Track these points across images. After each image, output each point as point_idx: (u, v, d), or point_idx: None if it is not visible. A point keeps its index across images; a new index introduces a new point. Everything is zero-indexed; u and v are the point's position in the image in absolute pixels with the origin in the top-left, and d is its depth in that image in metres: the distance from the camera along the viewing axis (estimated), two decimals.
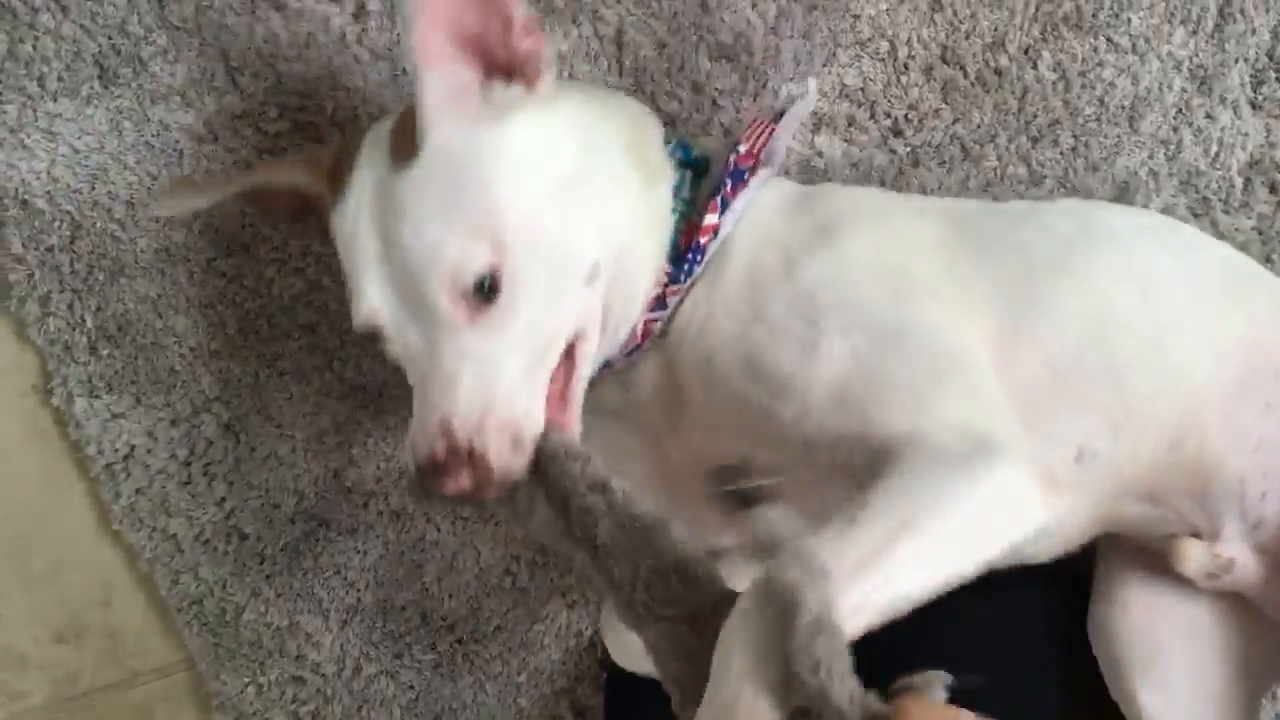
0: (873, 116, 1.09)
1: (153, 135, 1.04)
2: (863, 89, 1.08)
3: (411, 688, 1.23)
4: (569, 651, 1.24)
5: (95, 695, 1.24)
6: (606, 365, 0.94)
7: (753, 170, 0.92)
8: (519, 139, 0.84)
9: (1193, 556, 0.92)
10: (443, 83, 0.82)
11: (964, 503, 0.75)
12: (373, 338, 0.86)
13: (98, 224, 1.05)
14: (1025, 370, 0.88)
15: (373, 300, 0.84)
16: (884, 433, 0.80)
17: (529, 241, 0.82)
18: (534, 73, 0.84)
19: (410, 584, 1.20)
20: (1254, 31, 1.08)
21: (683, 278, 0.90)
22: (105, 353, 1.09)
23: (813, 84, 1.01)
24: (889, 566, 0.72)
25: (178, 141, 1.04)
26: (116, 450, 1.12)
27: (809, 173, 1.09)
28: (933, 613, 1.00)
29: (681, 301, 0.91)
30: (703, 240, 0.90)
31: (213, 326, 1.09)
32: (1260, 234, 1.12)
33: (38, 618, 1.20)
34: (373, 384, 1.13)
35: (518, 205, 0.83)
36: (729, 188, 0.91)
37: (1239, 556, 0.92)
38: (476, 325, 0.82)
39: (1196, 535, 0.93)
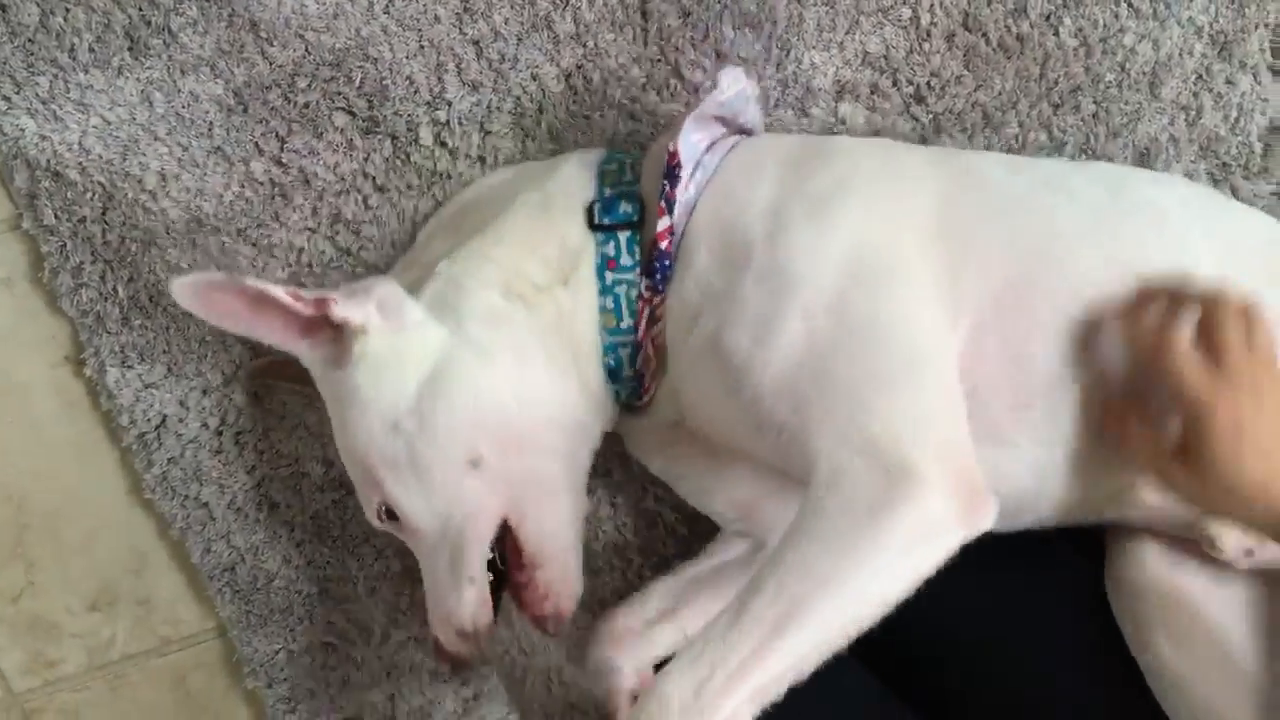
0: (895, 84, 1.10)
1: (183, 106, 1.05)
2: (885, 56, 1.09)
3: None
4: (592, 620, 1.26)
5: (127, 663, 1.25)
6: (638, 398, 0.97)
7: (679, 167, 0.93)
8: (357, 379, 0.93)
9: (1230, 536, 0.92)
10: (311, 354, 0.96)
11: (869, 556, 0.77)
12: None
13: (129, 195, 1.06)
14: (1038, 335, 0.88)
15: (368, 513, 1.00)
16: (815, 442, 0.81)
17: (392, 472, 0.93)
18: (342, 321, 0.92)
19: None
20: None
21: (660, 286, 0.93)
22: (137, 323, 1.10)
23: (725, 75, 0.97)
24: (775, 660, 0.76)
25: (207, 112, 1.05)
26: (149, 420, 1.13)
27: None
28: (951, 580, 1.02)
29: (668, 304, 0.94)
30: (663, 245, 0.93)
31: None
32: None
33: (71, 586, 1.22)
34: None
35: (370, 442, 0.93)
36: (669, 189, 0.93)
37: None
38: (404, 538, 0.98)
39: None
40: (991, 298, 0.89)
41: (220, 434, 1.15)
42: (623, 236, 0.95)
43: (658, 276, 0.93)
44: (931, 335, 0.87)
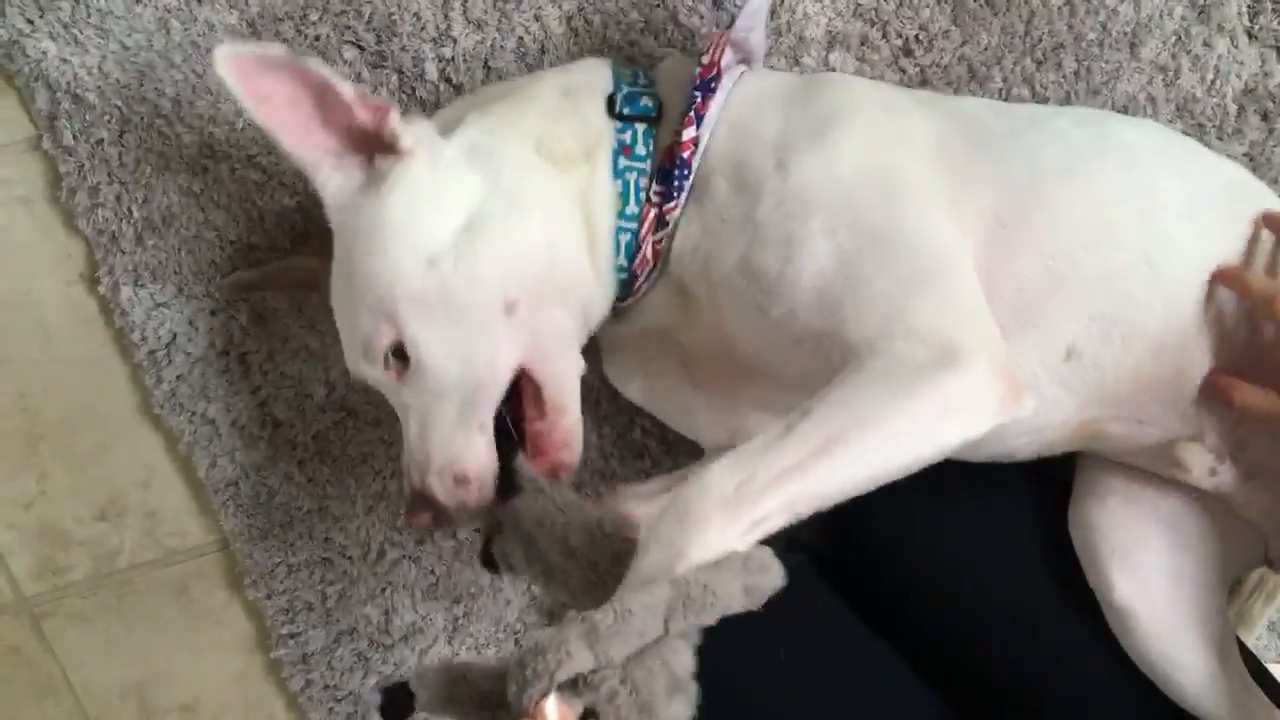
0: (885, 36, 1.14)
1: (198, 34, 1.09)
2: (876, 9, 1.13)
3: (432, 572, 1.29)
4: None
5: (133, 571, 1.30)
6: (622, 299, 1.00)
7: (716, 79, 0.95)
8: (392, 208, 0.91)
9: (1196, 458, 0.97)
10: (333, 176, 0.92)
11: (902, 412, 0.80)
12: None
13: (145, 119, 1.10)
14: (1022, 267, 0.92)
15: (350, 363, 0.97)
16: (855, 335, 0.84)
17: (419, 308, 0.90)
18: (392, 137, 0.89)
19: None
20: None
21: (674, 194, 0.94)
22: (150, 243, 1.15)
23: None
24: (812, 477, 0.78)
25: (222, 41, 1.09)
26: (159, 338, 1.18)
27: None
28: (918, 508, 1.06)
29: (680, 218, 0.96)
30: (685, 155, 0.94)
31: (251, 221, 1.15)
32: (1251, 159, 1.16)
33: (81, 496, 1.26)
34: None
35: (400, 276, 0.90)
36: (700, 100, 0.94)
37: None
38: (406, 382, 0.93)
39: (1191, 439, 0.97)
40: (984, 231, 0.92)
41: (227, 354, 1.19)
42: (639, 128, 0.97)
43: (674, 184, 0.94)
44: (954, 245, 0.90)
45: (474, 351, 0.92)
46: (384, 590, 1.30)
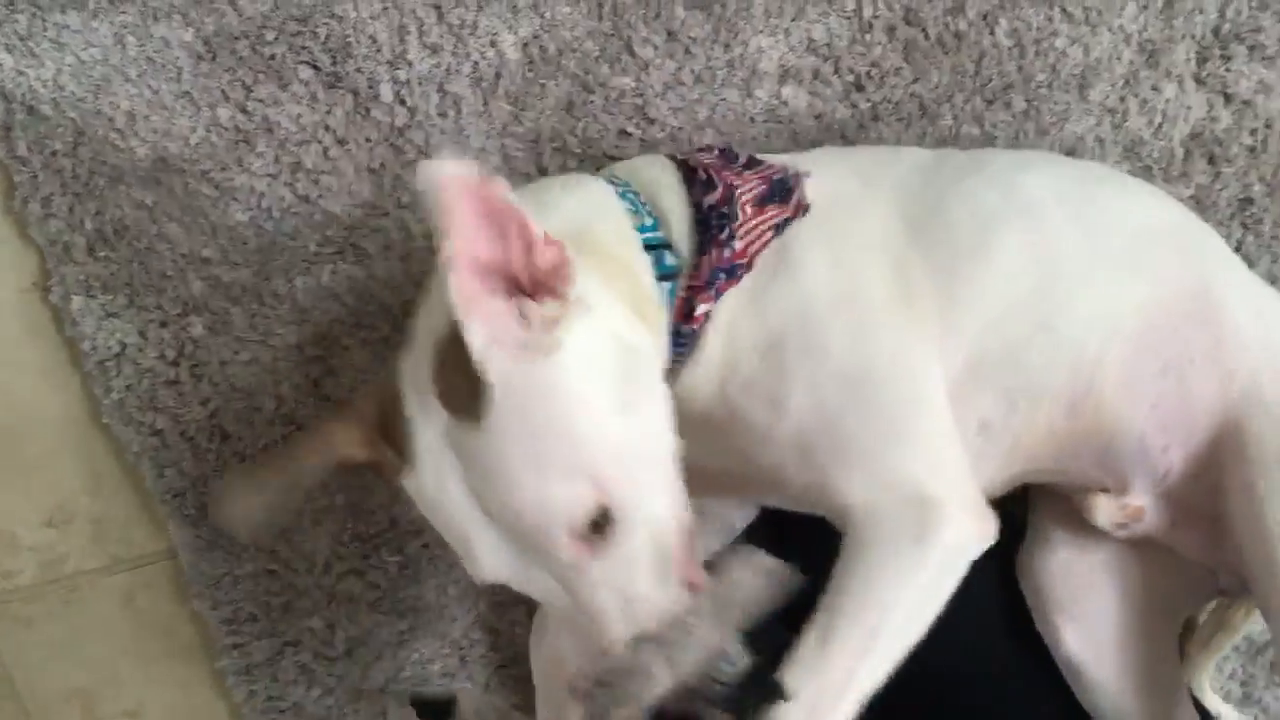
0: (837, 71, 1.15)
1: (154, 51, 1.10)
2: (829, 44, 1.14)
3: (378, 586, 1.30)
4: None
5: (80, 578, 1.31)
6: None
7: (747, 268, 0.92)
8: (572, 361, 0.80)
9: (1101, 510, 0.99)
10: (487, 324, 0.77)
11: (916, 586, 0.85)
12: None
13: (99, 132, 1.11)
14: (954, 360, 0.93)
15: (490, 566, 0.83)
16: (843, 498, 0.88)
17: (622, 464, 0.81)
18: (564, 281, 0.79)
19: (381, 488, 1.26)
20: (1202, 10, 1.14)
21: (671, 361, 0.92)
22: (102, 254, 1.15)
23: (809, 183, 0.97)
24: (865, 676, 0.84)
25: (177, 58, 1.10)
26: (109, 348, 1.18)
27: (773, 120, 1.15)
28: None
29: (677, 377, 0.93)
30: (695, 328, 0.91)
31: (203, 235, 1.15)
32: (1198, 203, 1.18)
33: (29, 502, 1.27)
34: (352, 296, 1.19)
35: (599, 433, 0.80)
36: (723, 281, 0.91)
37: (1148, 505, 0.99)
38: (601, 555, 0.81)
39: (1105, 490, 0.99)
40: (936, 327, 0.94)
41: (176, 365, 1.20)
42: (665, 286, 0.92)
43: (679, 348, 0.92)
44: (921, 368, 0.92)
45: (671, 500, 0.85)
46: (329, 603, 1.30)
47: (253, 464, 1.11)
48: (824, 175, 0.98)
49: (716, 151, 1.00)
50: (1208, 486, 0.96)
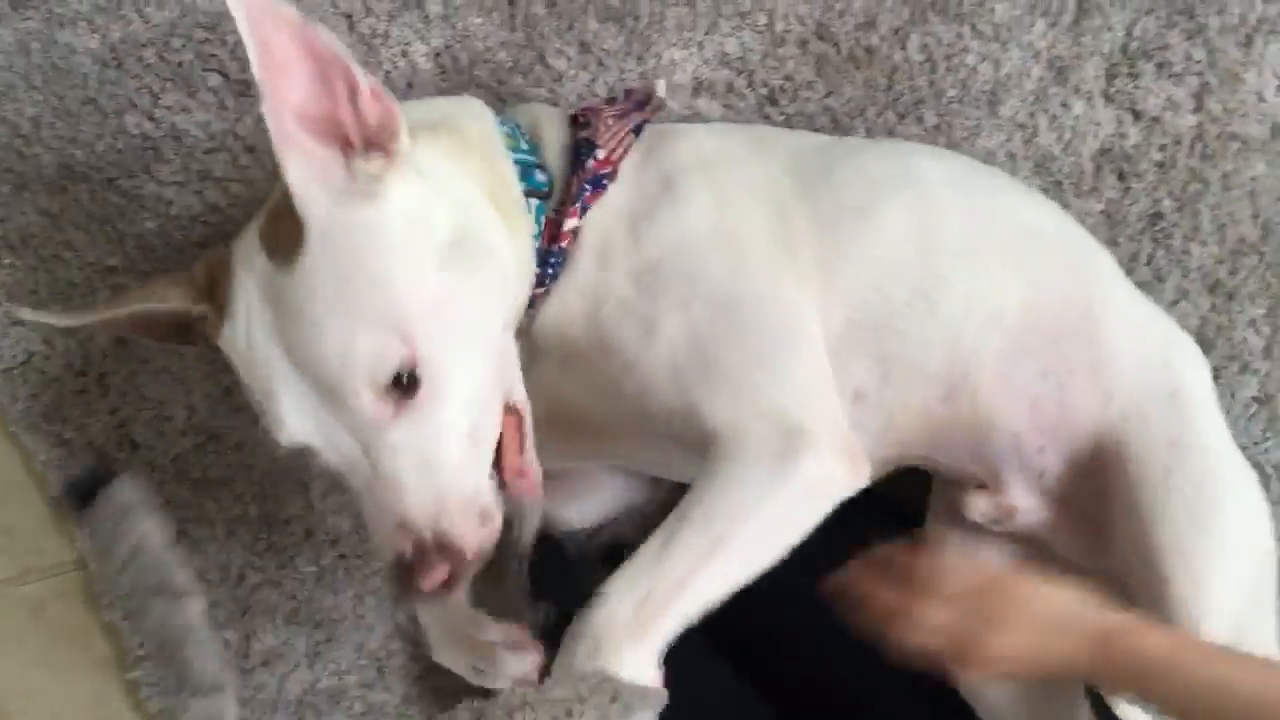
0: (750, 85, 1.16)
1: (59, 58, 1.09)
2: (742, 58, 1.15)
3: (294, 597, 1.29)
4: None
5: None
6: None
7: (611, 176, 0.94)
8: (396, 213, 0.80)
9: (976, 506, 1.01)
10: (306, 166, 0.78)
11: (770, 505, 0.85)
12: (303, 453, 0.83)
13: (3, 139, 1.10)
14: (832, 312, 0.95)
15: (292, 423, 0.81)
16: (710, 419, 0.88)
17: (437, 321, 0.80)
18: (390, 138, 0.80)
19: (296, 499, 1.25)
20: (1110, 28, 1.16)
21: (546, 279, 0.92)
22: (7, 262, 1.14)
23: (661, 84, 1.03)
24: (702, 583, 0.83)
25: (82, 65, 1.09)
26: (15, 356, 1.17)
27: None
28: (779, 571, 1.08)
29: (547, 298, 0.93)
30: (564, 244, 0.92)
31: (110, 243, 1.14)
32: (1108, 217, 1.20)
33: None
34: None
35: (415, 286, 0.79)
36: (589, 193, 0.93)
37: (1022, 504, 1.00)
38: (404, 416, 0.79)
39: (983, 486, 1.01)
40: (817, 280, 0.96)
41: (84, 374, 1.18)
42: (533, 203, 0.94)
43: (549, 271, 0.92)
44: (796, 307, 0.93)
45: (485, 372, 0.84)
46: (244, 614, 1.29)
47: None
48: (719, 136, 1.02)
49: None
50: (1091, 492, 0.98)
